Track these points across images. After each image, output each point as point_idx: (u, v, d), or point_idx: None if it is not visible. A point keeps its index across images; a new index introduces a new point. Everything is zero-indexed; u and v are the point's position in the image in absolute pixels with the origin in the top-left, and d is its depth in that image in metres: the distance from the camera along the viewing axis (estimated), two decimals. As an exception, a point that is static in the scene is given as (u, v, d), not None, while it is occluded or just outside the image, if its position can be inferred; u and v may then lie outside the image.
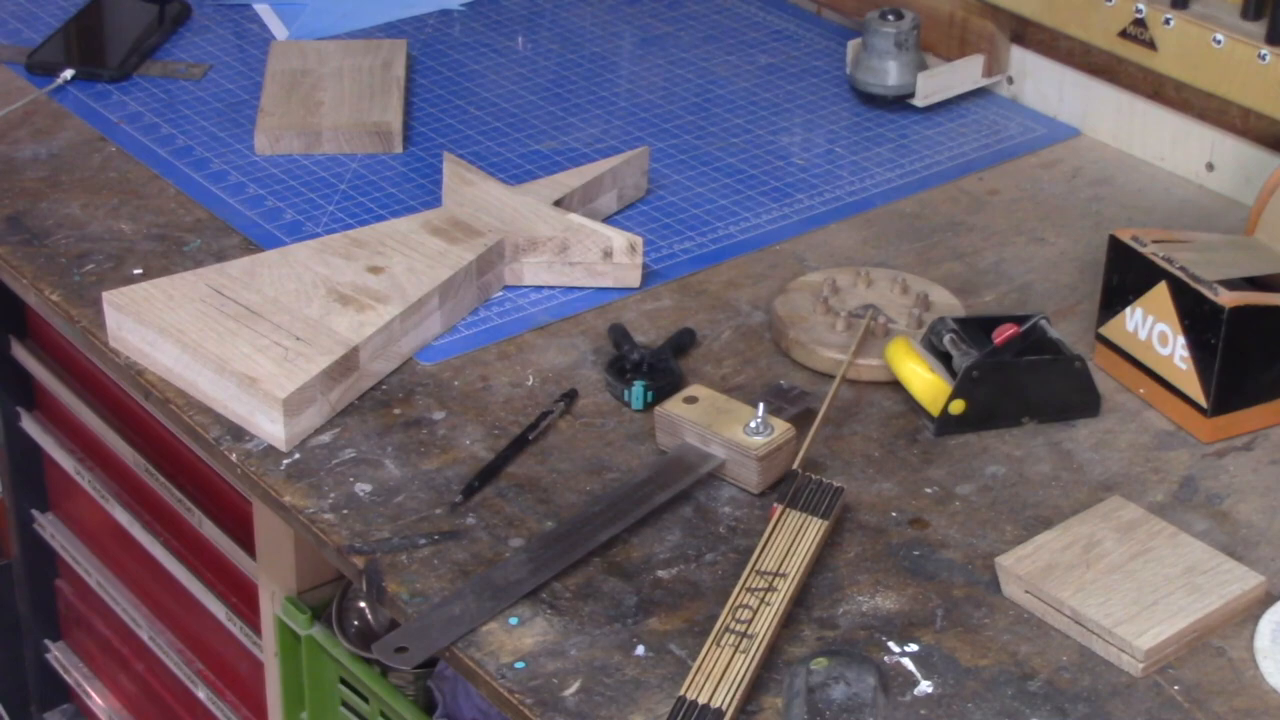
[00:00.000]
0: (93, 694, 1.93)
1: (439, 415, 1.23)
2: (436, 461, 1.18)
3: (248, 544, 1.50)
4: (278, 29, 1.73)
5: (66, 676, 1.96)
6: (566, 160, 1.52)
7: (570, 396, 1.24)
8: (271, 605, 1.42)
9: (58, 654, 1.97)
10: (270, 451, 1.19)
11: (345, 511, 1.14)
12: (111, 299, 1.27)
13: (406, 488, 1.16)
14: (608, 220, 1.43)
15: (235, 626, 1.59)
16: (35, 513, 1.91)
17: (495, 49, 1.72)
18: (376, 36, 1.71)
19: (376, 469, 1.17)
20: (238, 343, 1.21)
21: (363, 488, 1.16)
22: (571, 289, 1.36)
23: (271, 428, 1.18)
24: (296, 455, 1.18)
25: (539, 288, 1.36)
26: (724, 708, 0.97)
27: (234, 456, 1.19)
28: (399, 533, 1.12)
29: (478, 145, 1.55)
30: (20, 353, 1.80)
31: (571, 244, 1.35)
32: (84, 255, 1.38)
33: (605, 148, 1.54)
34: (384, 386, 1.25)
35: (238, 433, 1.20)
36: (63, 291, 1.34)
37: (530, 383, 1.26)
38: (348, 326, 1.24)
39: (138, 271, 1.36)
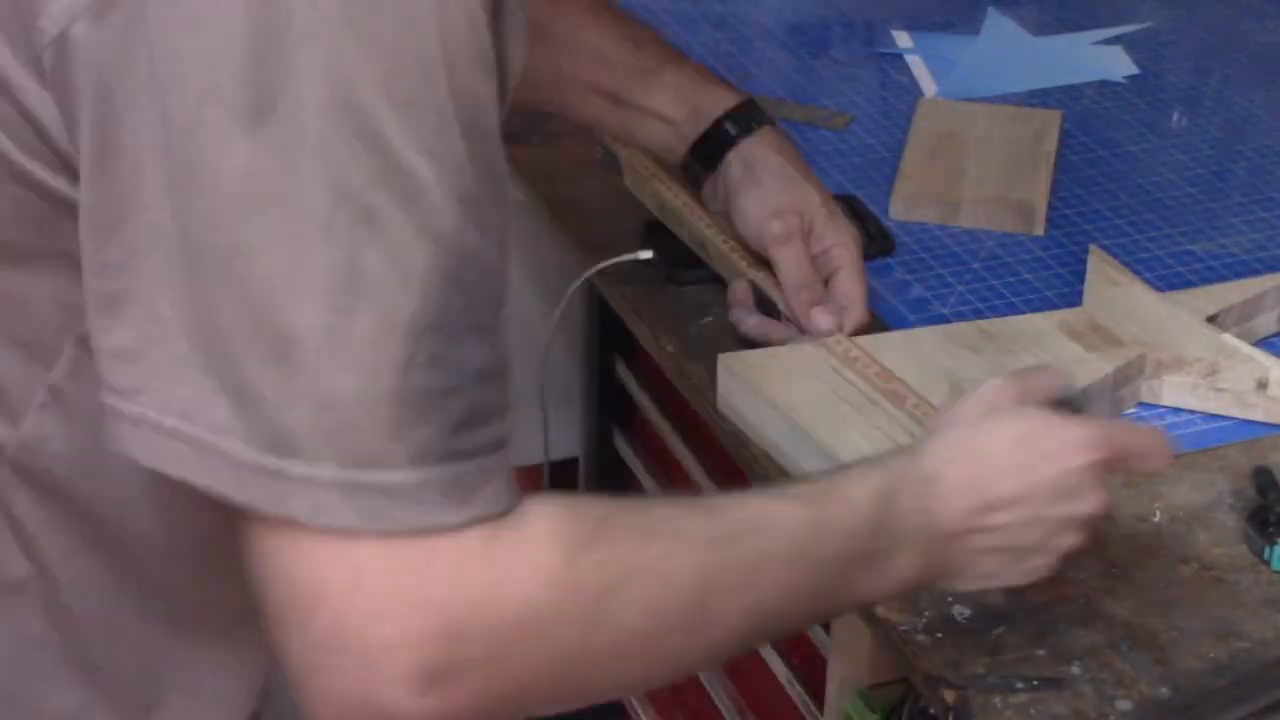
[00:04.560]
0: (643, 715, 1.93)
1: (1052, 540, 1.13)
2: (1044, 594, 1.09)
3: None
4: (927, 84, 1.66)
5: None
6: (1222, 266, 1.39)
7: None
8: (839, 695, 1.36)
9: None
10: (868, 553, 1.12)
11: (939, 635, 1.06)
12: (727, 363, 1.23)
13: (1009, 619, 1.07)
14: (1263, 343, 1.30)
15: (794, 691, 1.55)
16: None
17: (1155, 129, 1.60)
18: (1029, 104, 1.62)
19: (979, 592, 1.09)
20: (850, 431, 1.15)
21: (961, 611, 1.08)
22: (1215, 416, 1.23)
23: (873, 528, 1.12)
24: (895, 562, 1.12)
25: (1178, 409, 1.24)
26: None
27: (830, 552, 1.13)
28: (996, 670, 1.04)
29: (1124, 236, 1.44)
30: (622, 371, 1.81)
31: (1222, 368, 1.23)
32: (706, 306, 1.35)
33: (1268, 257, 1.40)
34: (997, 498, 1.17)
35: (837, 526, 1.14)
36: (680, 341, 1.32)
37: (1157, 518, 1.15)
38: (968, 429, 1.16)
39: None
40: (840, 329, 1.24)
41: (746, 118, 1.32)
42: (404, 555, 0.76)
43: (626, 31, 1.35)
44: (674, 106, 1.32)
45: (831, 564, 0.90)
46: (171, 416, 0.76)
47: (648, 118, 1.33)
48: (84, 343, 0.86)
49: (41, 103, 0.80)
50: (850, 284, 1.27)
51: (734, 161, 1.31)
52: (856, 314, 1.26)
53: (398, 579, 0.76)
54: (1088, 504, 0.98)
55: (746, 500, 0.90)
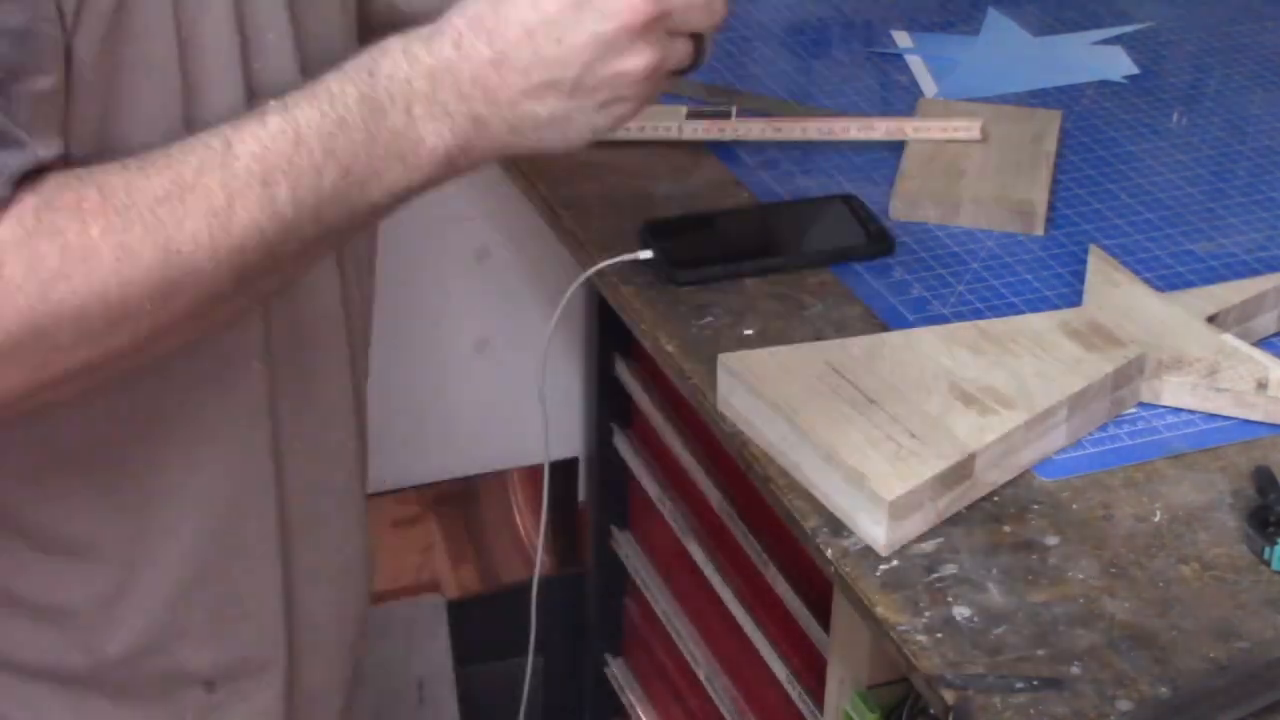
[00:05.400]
0: (643, 716, 1.93)
1: (1052, 541, 1.13)
2: (1044, 594, 1.09)
3: (821, 612, 1.44)
4: (927, 85, 1.66)
5: (620, 694, 1.97)
6: (1222, 266, 1.39)
7: None
8: (838, 695, 1.36)
9: (616, 670, 1.98)
10: (867, 553, 1.12)
11: (939, 635, 1.06)
12: (727, 363, 1.23)
13: (1009, 619, 1.07)
14: (1263, 343, 1.30)
15: (794, 691, 1.55)
16: (614, 529, 1.92)
17: (1155, 129, 1.60)
18: (1029, 104, 1.62)
19: (979, 592, 1.09)
20: (850, 431, 1.15)
21: (961, 611, 1.08)
22: (1215, 416, 1.23)
23: (873, 529, 1.12)
24: (895, 562, 1.11)
25: (1177, 409, 1.24)
26: None
27: (829, 552, 1.13)
28: (996, 670, 1.04)
29: (1124, 237, 1.44)
30: (623, 371, 1.81)
31: (1222, 368, 1.23)
32: (706, 306, 1.35)
33: (1268, 257, 1.40)
34: (995, 499, 1.17)
35: (836, 526, 1.14)
36: (680, 342, 1.32)
37: (1157, 519, 1.15)
38: (967, 429, 1.16)
39: (748, 332, 1.32)
40: None
41: None
42: None
43: None
44: None
45: (331, 165, 0.89)
46: None
47: None
48: None
49: None
50: None
51: None
52: None
53: None
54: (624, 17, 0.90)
55: (211, 137, 0.89)
